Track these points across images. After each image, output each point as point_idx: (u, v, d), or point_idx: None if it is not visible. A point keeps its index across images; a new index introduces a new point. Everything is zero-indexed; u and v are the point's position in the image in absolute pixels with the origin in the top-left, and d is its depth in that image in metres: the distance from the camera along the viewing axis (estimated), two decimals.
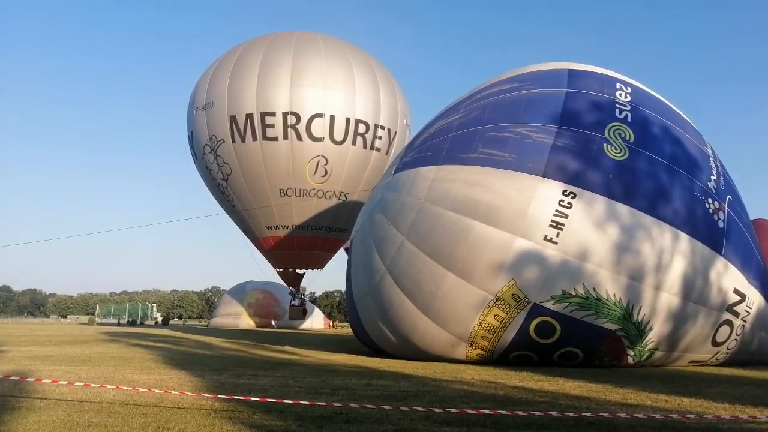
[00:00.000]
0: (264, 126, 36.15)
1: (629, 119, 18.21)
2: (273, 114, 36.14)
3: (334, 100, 36.92)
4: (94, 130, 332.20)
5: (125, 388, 10.42)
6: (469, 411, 8.33)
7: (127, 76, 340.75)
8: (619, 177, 17.11)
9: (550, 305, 16.65)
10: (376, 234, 19.58)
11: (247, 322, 68.78)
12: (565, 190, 16.73)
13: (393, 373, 15.18)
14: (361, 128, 37.55)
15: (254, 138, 36.34)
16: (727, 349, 18.99)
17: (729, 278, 18.00)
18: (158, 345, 26.97)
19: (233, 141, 36.84)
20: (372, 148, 38.29)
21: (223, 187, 39.01)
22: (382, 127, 38.68)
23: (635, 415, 7.70)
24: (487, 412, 8.28)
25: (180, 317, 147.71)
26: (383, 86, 39.26)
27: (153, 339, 32.70)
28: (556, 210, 16.59)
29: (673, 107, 20.57)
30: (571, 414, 7.68)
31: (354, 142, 37.42)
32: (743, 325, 18.74)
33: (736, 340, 18.84)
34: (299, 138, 36.29)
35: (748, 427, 8.17)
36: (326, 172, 37.06)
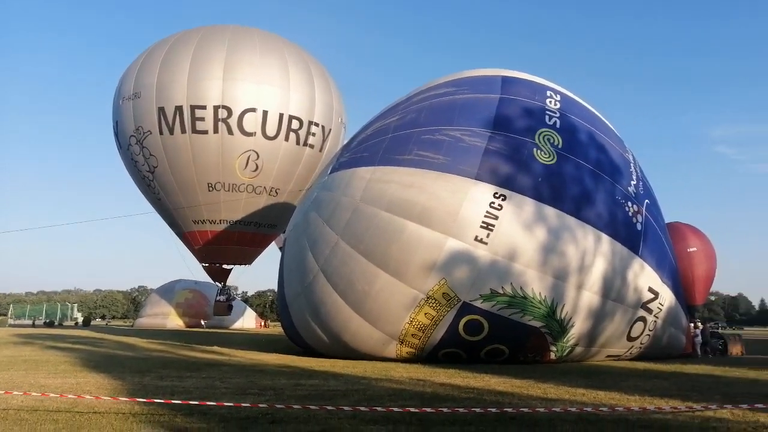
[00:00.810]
0: (194, 119, 35.03)
1: (558, 125, 18.95)
2: (204, 107, 35.08)
3: (267, 95, 36.21)
4: (6, 122, 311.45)
5: (34, 393, 9.83)
6: (395, 409, 8.39)
7: (40, 68, 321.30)
8: (547, 180, 17.78)
9: (478, 304, 17.07)
10: (311, 233, 19.43)
11: (175, 322, 66.45)
12: (496, 193, 17.20)
13: (323, 372, 15.10)
14: (295, 124, 37.04)
15: (183, 131, 35.13)
16: (641, 343, 20.10)
17: (644, 277, 19.05)
18: (76, 347, 25.58)
19: (161, 133, 35.47)
20: (305, 144, 37.85)
21: (149, 180, 37.49)
22: (316, 124, 38.31)
23: (553, 409, 8.01)
24: (413, 410, 8.36)
25: (103, 318, 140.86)
26: (318, 83, 38.89)
27: (71, 341, 31.00)
28: (487, 212, 17.04)
29: (598, 114, 21.60)
30: (494, 410, 7.89)
31: (287, 138, 36.86)
32: (656, 321, 19.89)
33: (648, 335, 19.98)
34: (230, 132, 35.37)
35: (655, 417, 8.67)
36: (257, 167, 36.30)
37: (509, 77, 20.62)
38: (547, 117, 19.03)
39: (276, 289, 26.94)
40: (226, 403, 8.75)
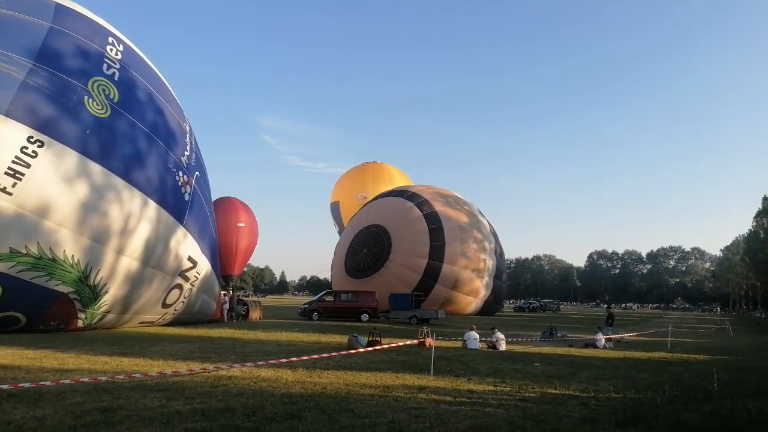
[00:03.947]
0: None
1: (117, 78, 17.47)
2: None
3: None
4: None
5: None
6: None
7: None
8: (97, 135, 16.15)
9: None
10: None
11: None
12: (32, 137, 14.65)
13: None
14: None
15: None
16: (175, 310, 20.70)
17: (186, 246, 19.62)
18: None
19: None
20: None
21: None
22: None
23: (63, 381, 7.29)
24: None
25: None
26: None
27: None
28: (17, 157, 14.35)
29: (161, 77, 20.96)
30: None
31: None
32: (191, 289, 20.81)
33: (183, 302, 20.74)
34: None
35: (173, 380, 8.95)
36: None
37: (66, 7, 17.76)
38: (105, 66, 17.29)
39: None
40: None
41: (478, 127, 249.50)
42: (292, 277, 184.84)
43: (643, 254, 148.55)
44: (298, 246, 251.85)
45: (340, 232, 52.74)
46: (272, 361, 10.80)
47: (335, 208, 59.57)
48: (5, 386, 6.44)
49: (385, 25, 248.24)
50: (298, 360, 10.81)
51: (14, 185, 14.29)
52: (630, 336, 24.50)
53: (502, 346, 16.83)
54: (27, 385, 6.90)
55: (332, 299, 32.59)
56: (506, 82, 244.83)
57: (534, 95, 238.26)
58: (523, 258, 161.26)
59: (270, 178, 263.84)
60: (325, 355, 11.75)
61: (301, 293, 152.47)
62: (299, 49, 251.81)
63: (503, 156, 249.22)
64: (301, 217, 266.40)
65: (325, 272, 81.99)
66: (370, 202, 44.74)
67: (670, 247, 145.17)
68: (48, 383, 7.21)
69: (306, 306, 32.60)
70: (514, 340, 19.61)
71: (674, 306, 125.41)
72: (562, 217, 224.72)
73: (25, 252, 14.71)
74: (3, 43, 14.98)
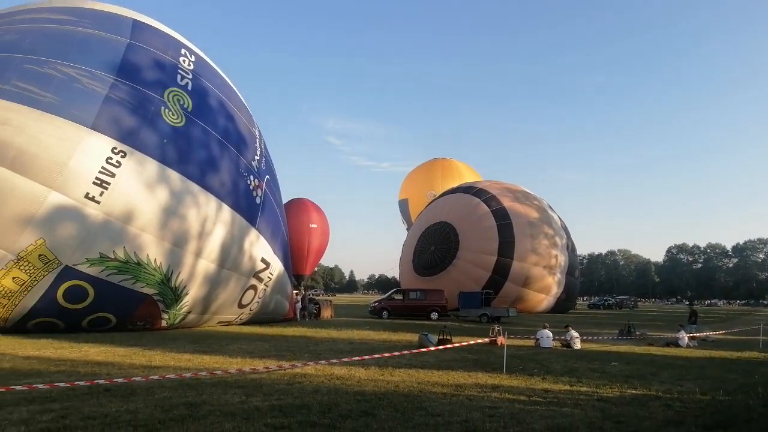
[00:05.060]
0: None
1: (190, 87, 18.30)
2: None
3: None
4: None
5: None
6: None
7: None
8: (174, 143, 17.01)
9: (84, 268, 15.32)
10: None
11: None
12: (115, 148, 15.60)
13: None
14: None
15: None
16: (250, 310, 21.44)
17: (259, 248, 20.29)
18: None
19: None
20: None
21: None
22: None
23: (151, 377, 7.73)
24: None
25: None
26: None
27: None
28: (103, 167, 15.33)
29: (230, 83, 21.78)
30: (83, 383, 7.14)
31: None
32: (265, 290, 21.48)
33: (258, 302, 21.45)
34: None
35: (251, 377, 9.28)
36: None
37: (142, 23, 18.81)
38: (179, 76, 18.16)
39: None
40: None
41: (545, 120, 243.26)
42: (361, 275, 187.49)
43: (728, 247, 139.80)
44: (366, 245, 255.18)
45: (409, 230, 52.90)
46: (345, 359, 10.99)
47: (404, 206, 59.71)
48: (101, 381, 6.90)
49: (453, 22, 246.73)
50: (370, 358, 10.94)
51: (101, 194, 15.26)
52: (716, 334, 23.12)
53: (577, 345, 16.34)
54: (120, 380, 7.37)
55: (401, 297, 32.72)
56: (573, 72, 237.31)
57: (602, 83, 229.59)
58: (596, 253, 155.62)
59: (336, 178, 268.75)
60: (396, 353, 11.84)
61: (370, 292, 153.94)
62: (360, 50, 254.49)
63: (570, 149, 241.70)
64: (367, 216, 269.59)
65: (393, 270, 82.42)
66: (436, 199, 44.58)
67: (759, 240, 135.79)
68: (138, 379, 7.66)
69: (376, 304, 32.90)
70: (589, 338, 19.00)
71: (766, 302, 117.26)
72: (637, 210, 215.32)
73: (113, 256, 15.68)
74: (88, 61, 16.02)
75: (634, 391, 9.07)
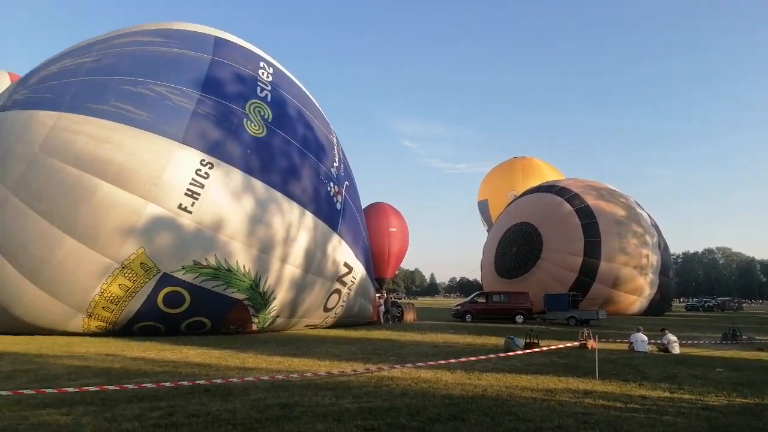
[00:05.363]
0: None
1: (269, 99, 19.02)
2: None
3: None
4: None
5: None
6: (71, 389, 7.37)
7: None
8: (256, 153, 17.73)
9: (180, 275, 16.24)
10: None
11: None
12: (203, 160, 16.47)
13: None
14: None
15: None
16: (335, 313, 21.87)
17: (341, 253, 20.67)
18: None
19: None
20: None
21: None
22: None
23: (247, 378, 8.05)
24: (92, 388, 7.46)
25: None
26: None
27: None
28: (193, 179, 16.21)
29: (307, 93, 22.41)
30: (186, 383, 7.56)
31: None
32: (349, 293, 21.84)
33: (342, 305, 21.84)
34: None
35: (339, 379, 9.45)
36: None
37: (223, 39, 19.80)
38: (259, 88, 18.91)
39: None
40: None
41: (628, 116, 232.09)
42: (442, 278, 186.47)
43: None
44: (446, 247, 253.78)
45: (489, 231, 52.08)
46: (431, 363, 10.96)
47: (483, 207, 58.80)
48: (202, 381, 7.27)
49: (524, 20, 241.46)
50: (455, 362, 10.85)
51: (193, 204, 16.14)
52: None
53: (676, 349, 15.41)
54: (218, 381, 7.74)
55: (484, 300, 32.25)
56: (650, 66, 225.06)
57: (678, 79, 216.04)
58: (691, 252, 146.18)
59: (413, 181, 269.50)
60: (482, 357, 11.66)
61: (451, 295, 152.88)
62: (431, 52, 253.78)
63: (656, 144, 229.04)
64: (446, 219, 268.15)
65: (474, 273, 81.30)
66: (516, 199, 43.61)
67: None
68: (234, 380, 8.02)
69: (459, 307, 32.60)
70: (689, 342, 17.88)
71: None
72: (734, 206, 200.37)
73: (205, 264, 16.51)
74: (176, 79, 17.07)
75: (743, 400, 8.43)
